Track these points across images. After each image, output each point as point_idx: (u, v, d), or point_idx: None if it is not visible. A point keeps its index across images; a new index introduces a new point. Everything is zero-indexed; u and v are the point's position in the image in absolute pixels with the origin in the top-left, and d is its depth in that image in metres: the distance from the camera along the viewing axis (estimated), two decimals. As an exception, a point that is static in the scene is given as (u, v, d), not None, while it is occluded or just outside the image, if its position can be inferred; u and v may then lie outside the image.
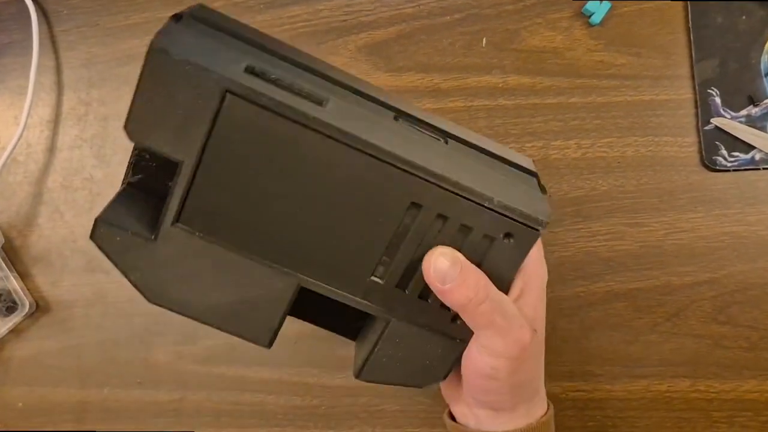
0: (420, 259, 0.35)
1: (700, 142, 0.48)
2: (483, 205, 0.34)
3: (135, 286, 0.37)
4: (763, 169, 0.48)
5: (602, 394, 0.49)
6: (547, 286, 0.49)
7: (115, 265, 0.37)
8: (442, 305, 0.36)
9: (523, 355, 0.36)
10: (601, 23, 0.49)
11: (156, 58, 0.31)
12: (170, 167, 0.34)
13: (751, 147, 0.48)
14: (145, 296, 0.38)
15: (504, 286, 0.36)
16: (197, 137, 0.33)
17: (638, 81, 0.49)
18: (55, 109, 0.53)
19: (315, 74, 0.35)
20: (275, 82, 0.33)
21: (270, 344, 0.39)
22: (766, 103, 0.48)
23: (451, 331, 0.37)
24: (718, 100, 0.48)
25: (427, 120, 0.37)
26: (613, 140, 0.49)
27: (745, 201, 0.48)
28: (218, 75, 0.31)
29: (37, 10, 0.51)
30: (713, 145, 0.48)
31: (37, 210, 0.53)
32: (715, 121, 0.48)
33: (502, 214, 0.34)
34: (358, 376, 0.39)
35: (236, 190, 0.35)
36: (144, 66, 0.32)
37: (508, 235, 0.35)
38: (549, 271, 0.48)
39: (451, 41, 0.50)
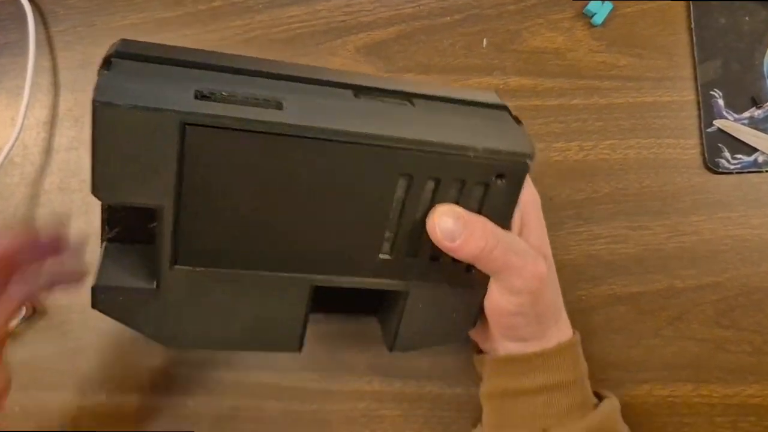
0: (423, 224, 0.35)
1: (702, 144, 0.48)
2: (469, 156, 0.34)
3: (152, 339, 0.37)
4: (766, 171, 0.47)
5: (604, 398, 0.48)
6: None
7: (127, 325, 0.37)
8: (454, 260, 0.37)
9: (543, 285, 0.37)
10: (603, 24, 0.49)
11: (103, 113, 0.30)
12: (145, 210, 0.33)
13: (754, 149, 0.47)
14: (164, 344, 0.37)
15: (506, 224, 0.37)
16: (169, 178, 0.32)
17: (640, 82, 0.48)
18: (52, 110, 0.52)
19: (263, 77, 0.35)
20: (228, 100, 0.32)
21: (301, 348, 0.39)
22: (769, 105, 0.47)
23: (468, 282, 0.38)
24: (720, 101, 0.48)
25: (388, 87, 0.37)
26: (615, 142, 0.48)
27: (748, 204, 0.48)
28: (171, 110, 0.30)
29: (33, 11, 0.50)
30: (716, 148, 0.47)
31: (34, 212, 0.52)
32: (718, 123, 0.47)
33: (489, 159, 0.34)
34: (392, 349, 0.40)
35: (224, 215, 0.34)
36: (93, 125, 0.30)
37: (499, 176, 0.35)
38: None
39: (451, 42, 0.50)
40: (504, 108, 0.38)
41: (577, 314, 0.48)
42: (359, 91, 0.36)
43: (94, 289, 0.35)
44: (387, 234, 0.36)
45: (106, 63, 0.32)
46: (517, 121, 0.37)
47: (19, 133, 0.50)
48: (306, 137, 0.32)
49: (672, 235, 0.48)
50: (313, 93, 0.34)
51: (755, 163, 0.47)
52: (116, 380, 0.49)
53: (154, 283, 0.35)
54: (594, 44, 0.49)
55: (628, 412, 0.48)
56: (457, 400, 0.49)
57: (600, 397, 0.42)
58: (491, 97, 0.39)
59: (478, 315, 0.40)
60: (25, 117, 0.50)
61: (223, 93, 0.32)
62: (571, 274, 0.48)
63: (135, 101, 0.30)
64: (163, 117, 0.30)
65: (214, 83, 0.32)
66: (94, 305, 0.36)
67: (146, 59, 0.33)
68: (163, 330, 0.37)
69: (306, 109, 0.33)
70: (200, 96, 0.31)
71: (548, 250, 0.40)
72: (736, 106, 0.48)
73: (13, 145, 0.50)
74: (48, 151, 0.52)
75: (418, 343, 0.40)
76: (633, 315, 0.48)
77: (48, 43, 0.52)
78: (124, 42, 0.34)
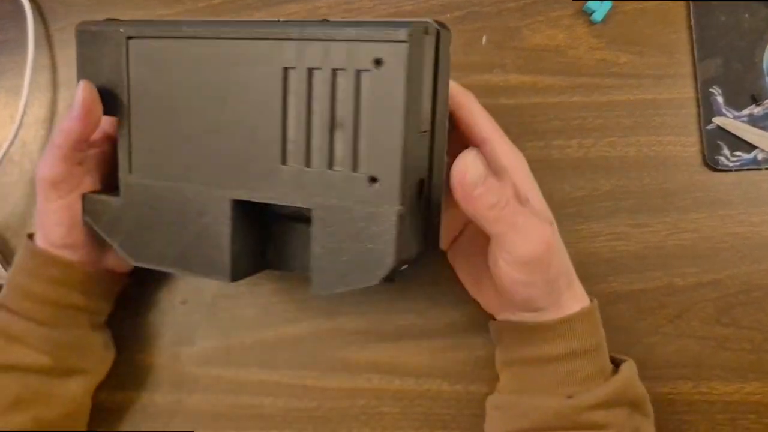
0: (316, 127, 0.34)
1: (702, 141, 0.48)
2: (340, 40, 0.33)
3: (120, 250, 0.41)
4: (766, 169, 0.47)
5: (604, 396, 0.48)
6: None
7: (103, 233, 0.42)
8: (353, 171, 0.34)
9: (549, 251, 0.37)
10: (603, 21, 0.49)
11: (81, 35, 0.40)
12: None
13: (753, 147, 0.47)
14: (130, 259, 0.41)
15: (396, 117, 0.32)
16: (123, 92, 0.39)
17: (640, 80, 0.48)
18: (51, 108, 0.52)
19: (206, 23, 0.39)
20: (164, 24, 0.40)
21: (232, 277, 0.39)
22: (769, 103, 0.47)
23: (371, 198, 0.34)
24: (720, 99, 0.48)
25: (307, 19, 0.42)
26: (615, 140, 0.48)
27: (748, 201, 0.47)
28: (121, 28, 0.39)
29: (32, 8, 0.50)
30: (716, 145, 0.47)
31: (33, 210, 0.52)
32: (717, 121, 0.47)
33: (364, 43, 0.32)
34: (314, 292, 0.36)
35: (161, 126, 0.39)
36: (76, 46, 0.40)
37: (377, 62, 0.32)
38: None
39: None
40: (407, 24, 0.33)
41: (576, 312, 0.48)
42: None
43: (83, 196, 0.42)
44: (288, 145, 0.35)
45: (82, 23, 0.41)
46: (442, 25, 0.35)
47: (17, 130, 0.50)
48: (207, 37, 0.36)
49: (672, 232, 0.48)
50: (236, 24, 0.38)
51: (755, 160, 0.47)
52: (114, 377, 0.49)
53: (118, 192, 0.41)
54: (594, 42, 0.49)
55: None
56: (456, 397, 0.49)
57: (615, 361, 0.42)
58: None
59: (401, 250, 0.34)
60: (23, 115, 0.50)
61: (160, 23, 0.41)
62: (570, 271, 0.48)
63: (100, 27, 0.40)
64: (115, 33, 0.39)
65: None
66: (83, 213, 0.42)
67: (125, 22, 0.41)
68: (128, 244, 0.41)
69: (218, 24, 0.37)
70: (144, 24, 0.40)
71: (550, 214, 0.40)
72: (735, 104, 0.48)
73: (11, 143, 0.50)
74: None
75: (336, 282, 0.35)
76: (633, 313, 0.48)
77: (47, 41, 0.52)
78: (110, 19, 0.42)
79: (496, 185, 0.35)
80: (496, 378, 0.47)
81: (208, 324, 0.51)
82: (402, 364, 0.49)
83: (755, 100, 0.47)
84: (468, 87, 0.49)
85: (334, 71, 0.33)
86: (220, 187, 0.38)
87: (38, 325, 0.42)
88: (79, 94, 0.39)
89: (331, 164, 0.35)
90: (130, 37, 0.39)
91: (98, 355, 0.47)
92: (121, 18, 0.42)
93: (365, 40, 0.32)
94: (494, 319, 0.44)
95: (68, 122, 0.39)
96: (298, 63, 0.34)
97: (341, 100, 0.33)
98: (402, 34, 0.31)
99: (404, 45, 0.31)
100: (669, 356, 0.48)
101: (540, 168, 0.42)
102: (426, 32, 0.33)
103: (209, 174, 0.38)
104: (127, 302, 0.50)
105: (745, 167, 0.47)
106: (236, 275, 0.39)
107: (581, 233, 0.48)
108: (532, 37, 0.49)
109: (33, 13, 0.51)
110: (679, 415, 0.48)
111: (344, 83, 0.33)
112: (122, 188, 0.41)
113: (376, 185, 0.33)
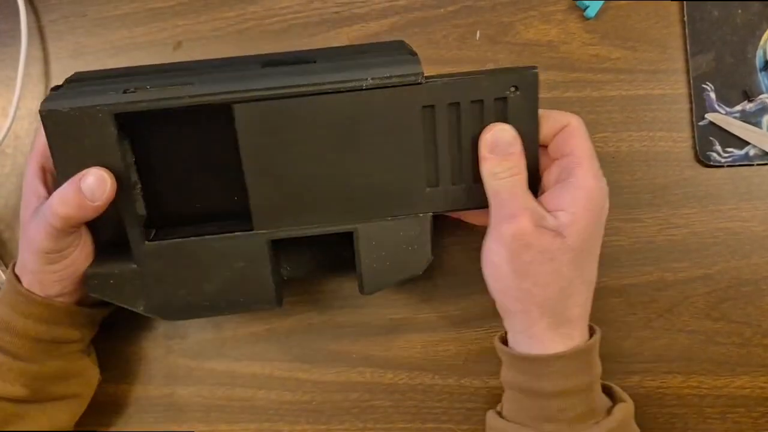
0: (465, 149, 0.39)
1: (694, 137, 0.48)
2: (479, 75, 0.38)
3: (146, 314, 0.41)
4: (758, 164, 0.48)
5: (595, 389, 0.49)
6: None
7: (122, 305, 0.41)
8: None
9: (517, 245, 0.37)
10: (596, 16, 0.49)
11: (48, 119, 0.36)
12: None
13: (745, 143, 0.47)
14: (162, 318, 0.42)
15: (534, 133, 0.39)
16: (116, 165, 0.37)
17: (633, 75, 0.48)
18: (44, 100, 0.52)
19: (182, 69, 0.40)
20: (149, 90, 0.37)
21: (279, 303, 0.42)
22: (760, 99, 0.47)
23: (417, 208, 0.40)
24: (712, 95, 0.48)
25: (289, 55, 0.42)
26: (608, 135, 0.48)
27: (739, 197, 0.48)
28: (103, 105, 0.36)
29: (24, 1, 0.50)
30: (707, 141, 0.48)
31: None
32: (710, 117, 0.48)
33: (501, 75, 0.39)
34: (362, 291, 0.41)
35: (171, 189, 0.40)
36: (45, 132, 0.37)
37: (516, 88, 0.38)
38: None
39: (444, 34, 0.49)
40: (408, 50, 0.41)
41: (568, 306, 0.49)
42: (267, 63, 0.40)
43: (85, 277, 0.40)
44: (440, 169, 0.40)
45: (56, 87, 0.39)
46: (412, 53, 0.40)
47: (11, 123, 0.50)
48: (214, 103, 0.36)
49: (663, 227, 0.48)
50: (224, 69, 0.39)
51: (746, 156, 0.47)
52: (107, 370, 0.49)
53: (133, 262, 0.40)
54: (587, 37, 0.49)
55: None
56: (448, 391, 0.49)
57: (612, 395, 0.41)
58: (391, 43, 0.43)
59: (431, 240, 0.41)
60: (17, 108, 0.50)
61: (147, 86, 0.37)
62: (562, 266, 0.48)
63: (72, 105, 0.36)
64: (97, 112, 0.36)
65: (142, 81, 0.38)
66: (90, 291, 0.41)
67: (91, 80, 0.39)
68: (153, 304, 0.41)
69: (213, 80, 0.37)
70: (126, 91, 0.37)
71: (579, 238, 0.37)
72: (728, 100, 0.48)
73: (5, 136, 0.50)
74: (40, 141, 0.52)
75: (383, 280, 0.41)
76: (624, 307, 0.48)
77: (39, 33, 0.52)
78: (78, 73, 0.41)
79: (511, 159, 0.38)
80: (488, 372, 0.48)
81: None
82: (394, 357, 0.50)
83: (747, 96, 0.48)
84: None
85: (472, 102, 0.39)
86: (253, 230, 0.40)
87: (14, 359, 0.41)
88: (95, 186, 0.37)
89: (462, 179, 0.40)
90: (116, 114, 0.36)
91: (80, 381, 0.46)
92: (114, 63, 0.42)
93: (503, 74, 0.39)
94: (502, 336, 0.42)
95: (76, 210, 0.37)
96: (437, 101, 0.38)
97: (485, 123, 0.39)
98: (532, 69, 0.39)
99: (535, 72, 0.38)
100: (659, 350, 0.48)
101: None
102: None
103: (238, 221, 0.40)
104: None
105: (737, 163, 0.47)
106: (280, 300, 0.42)
107: (573, 228, 0.48)
108: (526, 32, 0.49)
109: (26, 5, 0.50)
110: (669, 408, 0.48)
111: (486, 110, 0.39)
112: (137, 255, 0.40)
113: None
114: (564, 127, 0.39)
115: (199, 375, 0.51)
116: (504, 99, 0.38)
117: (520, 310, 0.38)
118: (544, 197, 0.39)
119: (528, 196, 0.38)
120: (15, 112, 0.50)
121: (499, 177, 0.38)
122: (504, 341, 0.41)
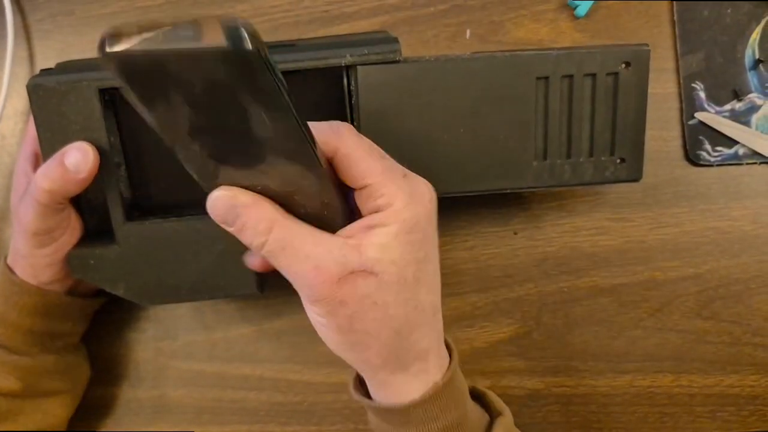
0: (576, 122, 0.40)
1: (684, 136, 0.48)
2: (593, 51, 0.39)
3: (127, 297, 0.40)
4: (747, 164, 0.48)
5: (586, 389, 0.49)
6: (530, 282, 0.49)
7: (102, 287, 0.41)
8: (608, 155, 0.41)
9: (329, 306, 0.31)
10: (587, 16, 0.49)
11: (35, 93, 0.37)
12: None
13: (734, 142, 0.48)
14: (140, 303, 0.41)
15: (642, 109, 0.40)
16: (101, 142, 0.37)
17: (623, 74, 0.48)
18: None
19: None
20: None
21: (261, 289, 0.41)
22: (750, 98, 0.48)
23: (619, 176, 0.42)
24: (702, 94, 0.48)
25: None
26: (598, 134, 0.48)
27: (729, 196, 0.48)
28: (89, 79, 0.36)
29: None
30: (697, 140, 0.48)
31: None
32: (699, 116, 0.48)
33: (615, 50, 0.40)
34: None
35: (161, 171, 0.40)
36: (31, 108, 0.37)
37: (627, 64, 0.39)
38: (533, 266, 0.48)
39: (435, 33, 0.49)
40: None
41: (559, 306, 0.49)
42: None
43: (67, 257, 0.40)
44: (549, 142, 0.40)
45: (45, 70, 0.39)
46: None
47: (-4, 123, 0.50)
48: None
49: (653, 227, 0.48)
50: None
51: (736, 155, 0.48)
52: (98, 372, 0.49)
53: (112, 240, 0.39)
54: (577, 36, 0.49)
55: (609, 402, 0.49)
56: (439, 391, 0.49)
57: (487, 405, 0.38)
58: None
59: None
60: (3, 108, 0.50)
61: None
62: (553, 266, 0.49)
63: (57, 80, 0.36)
64: (81, 86, 0.37)
65: None
66: (71, 273, 0.40)
67: (79, 65, 0.39)
68: (134, 288, 0.40)
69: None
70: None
71: (392, 270, 0.31)
72: (717, 99, 0.48)
73: (-10, 136, 0.50)
74: (27, 141, 0.52)
75: None
76: (615, 306, 0.48)
77: (25, 32, 0.51)
78: (70, 60, 0.41)
79: (244, 218, 0.30)
80: (477, 372, 0.48)
81: (191, 318, 0.51)
82: (385, 358, 0.49)
83: (737, 95, 0.48)
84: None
85: (585, 75, 0.39)
86: None
87: (8, 352, 0.41)
88: (78, 158, 0.36)
89: (569, 154, 0.40)
90: (102, 90, 0.36)
91: (72, 375, 0.46)
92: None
93: (616, 49, 0.40)
94: (357, 379, 0.38)
95: (60, 184, 0.37)
96: (552, 73, 0.39)
97: (596, 98, 0.40)
98: (644, 45, 0.40)
99: (647, 49, 0.39)
100: (650, 349, 0.48)
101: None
102: None
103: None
104: (110, 297, 0.50)
105: (727, 162, 0.48)
106: (262, 286, 0.41)
107: (563, 228, 0.48)
108: (516, 31, 0.49)
109: (11, 3, 0.50)
110: (660, 407, 0.48)
111: (598, 84, 0.39)
112: (118, 235, 0.39)
113: (624, 164, 0.41)
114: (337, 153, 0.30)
115: (190, 377, 0.50)
116: (615, 74, 0.39)
117: (360, 360, 0.34)
118: (356, 238, 0.31)
119: (318, 244, 0.30)
120: (1, 112, 0.50)
121: (263, 247, 0.30)
122: (363, 383, 0.37)
